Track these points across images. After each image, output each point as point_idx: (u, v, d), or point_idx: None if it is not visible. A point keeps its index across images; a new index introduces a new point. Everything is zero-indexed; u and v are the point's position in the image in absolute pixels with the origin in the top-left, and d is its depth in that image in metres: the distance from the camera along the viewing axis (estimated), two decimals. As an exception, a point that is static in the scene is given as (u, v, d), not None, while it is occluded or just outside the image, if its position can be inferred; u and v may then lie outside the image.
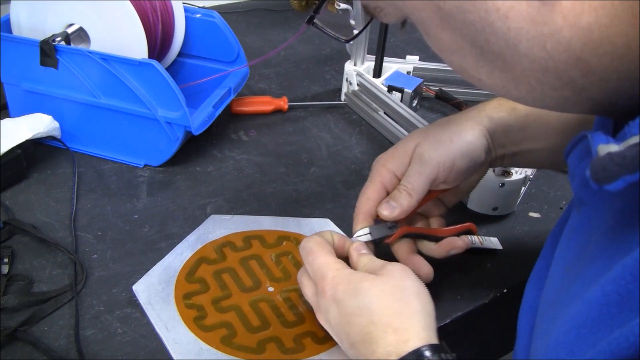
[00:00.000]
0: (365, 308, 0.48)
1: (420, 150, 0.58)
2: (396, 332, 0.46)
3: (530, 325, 0.46)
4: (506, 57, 0.35)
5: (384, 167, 0.60)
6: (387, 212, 0.57)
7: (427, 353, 0.44)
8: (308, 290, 0.54)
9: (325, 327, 0.52)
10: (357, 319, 0.48)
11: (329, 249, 0.54)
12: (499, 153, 0.61)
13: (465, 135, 0.59)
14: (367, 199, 0.59)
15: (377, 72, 0.94)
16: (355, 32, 0.90)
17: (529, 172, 0.74)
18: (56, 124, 0.76)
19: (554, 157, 0.61)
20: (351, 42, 0.58)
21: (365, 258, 0.55)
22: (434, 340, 0.46)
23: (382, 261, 0.53)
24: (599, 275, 0.34)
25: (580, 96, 0.35)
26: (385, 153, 0.61)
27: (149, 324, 0.57)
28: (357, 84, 0.94)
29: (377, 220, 0.60)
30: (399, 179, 0.59)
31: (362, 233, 0.59)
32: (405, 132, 0.85)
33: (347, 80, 0.95)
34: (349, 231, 0.68)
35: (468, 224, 0.63)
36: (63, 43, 0.74)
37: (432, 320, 0.48)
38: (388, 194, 0.59)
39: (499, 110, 0.61)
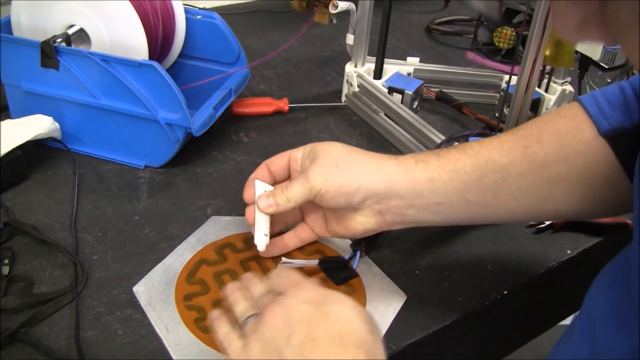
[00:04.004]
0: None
1: (310, 169, 0.59)
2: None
3: None
4: None
5: (265, 164, 0.65)
6: (264, 205, 0.61)
7: None
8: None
9: None
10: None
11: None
12: (394, 204, 0.59)
13: (361, 164, 0.59)
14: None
15: (378, 74, 0.94)
16: (351, 34, 0.90)
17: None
18: (57, 125, 0.76)
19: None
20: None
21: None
22: None
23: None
24: None
25: None
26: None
27: (149, 325, 0.57)
28: (358, 86, 0.94)
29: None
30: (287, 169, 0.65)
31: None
32: (406, 134, 0.85)
33: (347, 81, 0.95)
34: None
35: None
36: (64, 44, 0.74)
37: None
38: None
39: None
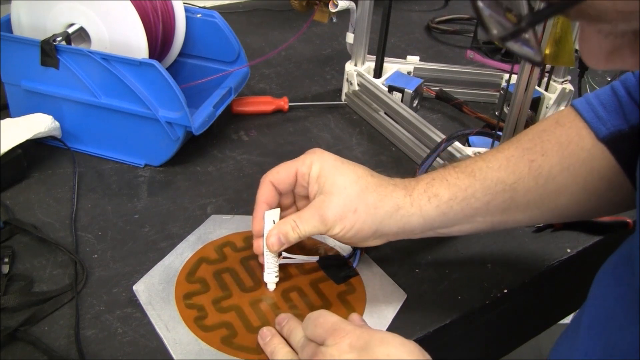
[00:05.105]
0: None
1: (324, 206, 0.57)
2: None
3: None
4: None
5: (271, 185, 0.61)
6: (276, 247, 0.58)
7: None
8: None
9: None
10: None
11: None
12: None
13: (378, 208, 0.57)
14: (265, 205, 0.61)
15: (378, 73, 0.94)
16: (351, 33, 0.90)
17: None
18: (57, 124, 0.76)
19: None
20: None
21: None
22: None
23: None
24: None
25: None
26: (276, 168, 0.62)
27: (149, 324, 0.57)
28: (358, 84, 0.94)
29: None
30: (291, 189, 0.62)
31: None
32: (406, 132, 0.85)
33: (347, 80, 0.95)
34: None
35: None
36: (64, 43, 0.74)
37: None
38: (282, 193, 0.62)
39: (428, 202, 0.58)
